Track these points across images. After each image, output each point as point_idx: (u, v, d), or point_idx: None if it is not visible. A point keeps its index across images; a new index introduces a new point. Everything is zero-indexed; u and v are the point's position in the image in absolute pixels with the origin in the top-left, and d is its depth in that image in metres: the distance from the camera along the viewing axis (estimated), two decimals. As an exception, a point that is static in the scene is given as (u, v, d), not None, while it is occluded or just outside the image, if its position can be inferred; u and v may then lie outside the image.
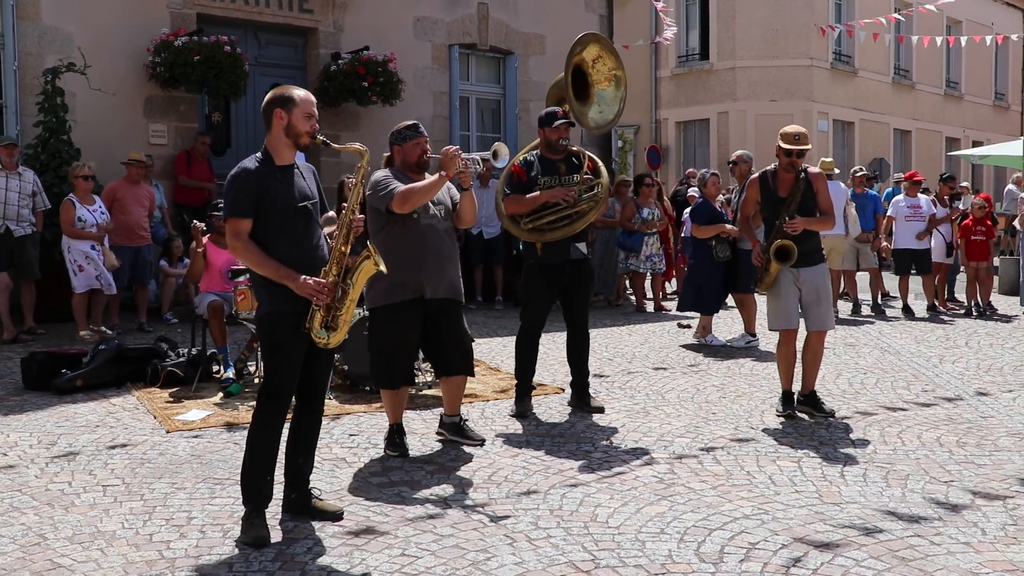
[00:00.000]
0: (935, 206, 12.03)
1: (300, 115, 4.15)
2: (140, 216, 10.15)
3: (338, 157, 12.07)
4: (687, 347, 9.21)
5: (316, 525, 4.21)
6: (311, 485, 4.43)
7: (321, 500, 4.42)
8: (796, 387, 6.39)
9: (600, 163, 6.46)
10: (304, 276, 4.05)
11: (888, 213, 12.12)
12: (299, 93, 4.21)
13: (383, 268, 4.30)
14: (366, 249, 4.29)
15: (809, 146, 6.20)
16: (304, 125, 4.16)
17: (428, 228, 5.27)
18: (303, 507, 4.33)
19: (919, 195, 12.04)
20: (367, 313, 7.01)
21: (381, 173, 5.30)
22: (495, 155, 5.50)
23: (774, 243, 6.08)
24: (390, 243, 5.19)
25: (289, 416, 4.30)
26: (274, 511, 4.29)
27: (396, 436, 5.41)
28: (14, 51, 10.77)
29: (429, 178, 5.20)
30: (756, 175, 6.35)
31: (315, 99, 4.30)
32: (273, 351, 4.16)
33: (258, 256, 4.07)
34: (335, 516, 4.31)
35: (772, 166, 6.29)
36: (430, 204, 5.30)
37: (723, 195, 11.13)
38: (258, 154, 4.21)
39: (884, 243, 11.98)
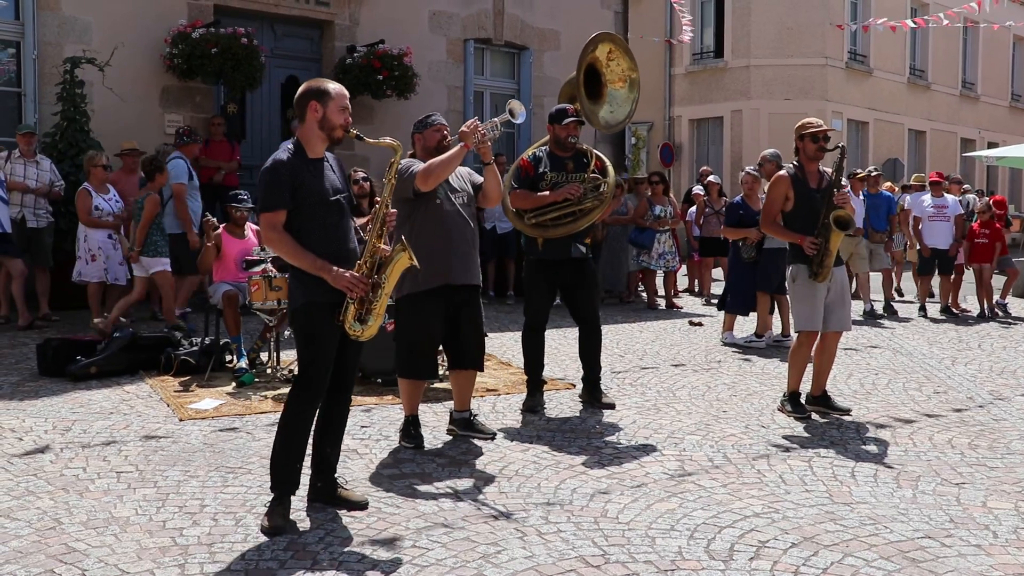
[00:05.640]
0: (960, 206, 12.04)
1: (335, 108, 4.16)
2: None
3: (352, 150, 12.10)
4: (715, 346, 9.20)
5: (328, 515, 4.24)
6: (337, 474, 4.46)
7: (347, 489, 4.45)
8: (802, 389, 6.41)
9: (608, 163, 6.46)
10: (340, 269, 4.08)
11: (914, 213, 12.11)
12: (333, 86, 4.22)
13: (416, 263, 4.33)
14: (400, 243, 4.31)
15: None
16: (339, 118, 4.17)
17: (452, 214, 5.30)
18: (329, 495, 4.36)
19: (945, 195, 12.02)
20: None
21: (402, 162, 5.33)
22: (512, 114, 5.47)
23: (831, 213, 6.00)
24: (416, 231, 5.22)
25: None
26: (299, 498, 4.35)
27: (411, 428, 5.44)
28: (34, 40, 10.82)
29: (450, 151, 5.21)
30: (781, 173, 6.29)
31: (347, 93, 4.30)
32: (308, 342, 4.17)
33: (293, 248, 4.08)
34: (360, 505, 4.33)
35: (793, 164, 6.25)
36: (453, 191, 5.33)
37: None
38: (289, 145, 4.20)
39: (918, 243, 11.96)
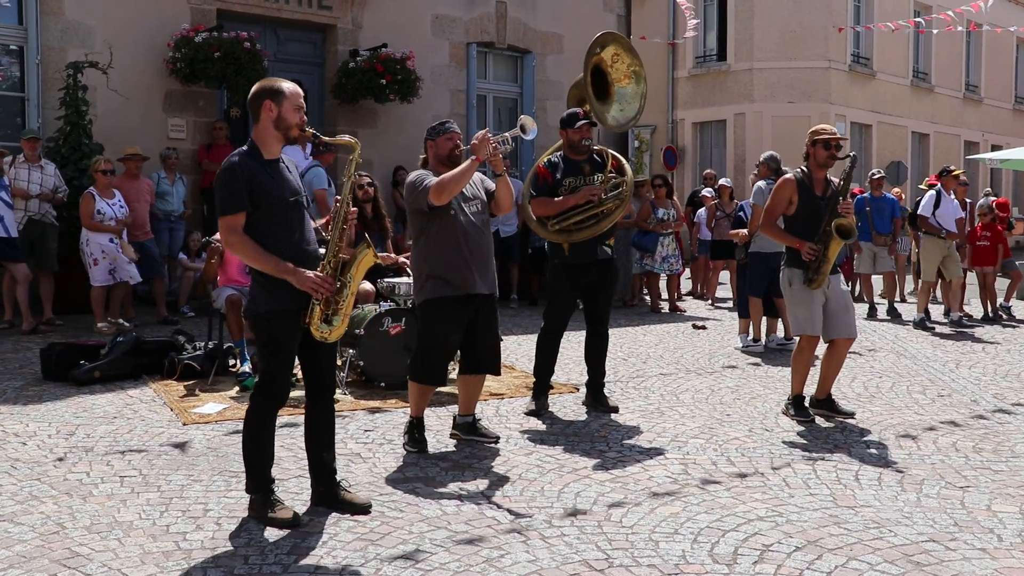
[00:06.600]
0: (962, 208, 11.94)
1: (290, 107, 4.11)
2: (143, 211, 10.27)
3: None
4: (718, 350, 9.19)
5: (331, 519, 4.24)
6: (339, 477, 4.46)
7: (350, 493, 4.44)
8: (806, 392, 6.39)
9: (624, 161, 6.47)
10: (304, 270, 4.04)
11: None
12: (287, 85, 4.17)
13: (379, 259, 4.32)
14: (364, 240, 4.29)
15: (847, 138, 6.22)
16: (294, 117, 4.12)
17: (467, 224, 5.28)
18: (332, 500, 4.36)
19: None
20: (382, 309, 7.11)
21: (414, 174, 5.32)
22: (523, 129, 5.46)
23: (833, 221, 6.00)
24: (433, 243, 5.23)
25: (301, 412, 4.35)
26: (303, 502, 4.38)
27: (416, 431, 5.43)
28: (37, 45, 10.85)
29: (461, 165, 5.20)
30: (788, 176, 6.27)
31: (303, 92, 4.25)
32: (273, 350, 4.14)
33: (255, 251, 4.02)
34: (364, 509, 4.33)
35: (801, 168, 6.24)
36: (466, 200, 5.32)
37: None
38: (244, 148, 4.15)
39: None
